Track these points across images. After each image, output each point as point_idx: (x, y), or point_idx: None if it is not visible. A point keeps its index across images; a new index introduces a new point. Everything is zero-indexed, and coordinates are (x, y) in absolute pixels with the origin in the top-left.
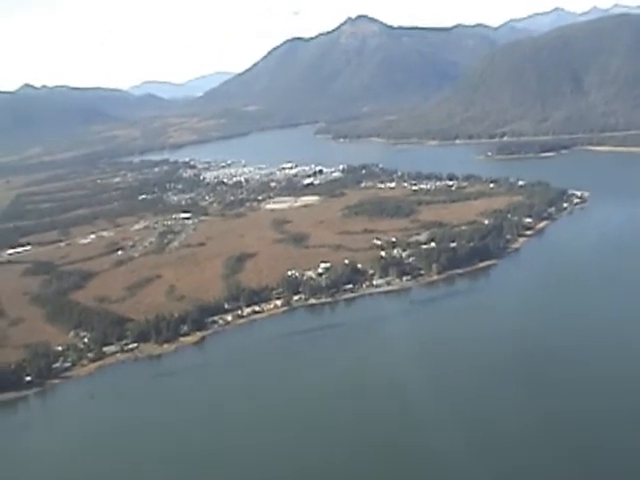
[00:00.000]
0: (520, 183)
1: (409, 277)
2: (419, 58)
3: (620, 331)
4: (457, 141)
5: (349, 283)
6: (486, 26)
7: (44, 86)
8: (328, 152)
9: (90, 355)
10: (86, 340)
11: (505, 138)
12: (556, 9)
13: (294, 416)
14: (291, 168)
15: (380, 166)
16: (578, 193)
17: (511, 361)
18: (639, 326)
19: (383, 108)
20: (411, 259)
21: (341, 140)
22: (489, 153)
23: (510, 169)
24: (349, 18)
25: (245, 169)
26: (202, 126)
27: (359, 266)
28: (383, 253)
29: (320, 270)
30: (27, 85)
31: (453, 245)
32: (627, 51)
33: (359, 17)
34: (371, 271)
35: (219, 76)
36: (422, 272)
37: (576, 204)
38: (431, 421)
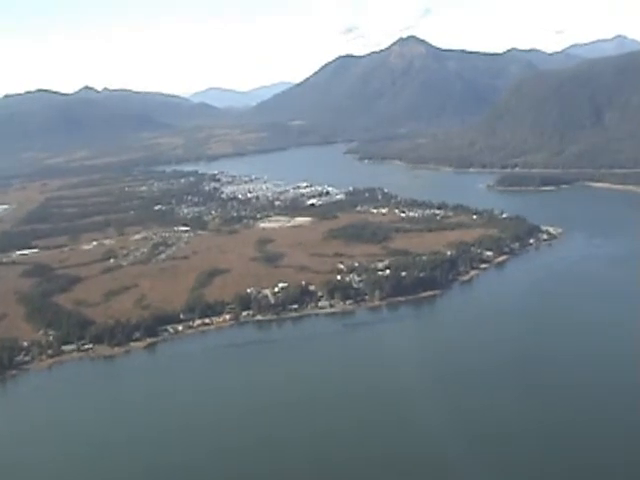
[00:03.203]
0: (503, 216)
1: (352, 301)
2: (460, 82)
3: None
4: (471, 169)
5: (296, 303)
6: (540, 52)
7: (105, 89)
8: (346, 172)
9: (49, 352)
10: (51, 338)
11: (517, 169)
12: (618, 36)
13: (203, 414)
14: (305, 187)
15: (385, 190)
16: (551, 229)
17: (405, 388)
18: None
19: (419, 130)
20: (361, 284)
21: (366, 161)
22: (490, 183)
23: (504, 201)
24: (400, 38)
25: (263, 185)
26: (242, 139)
27: (311, 287)
28: (339, 277)
29: (276, 289)
30: (87, 88)
31: (403, 274)
32: None
33: (409, 38)
34: (320, 293)
35: (277, 87)
36: (366, 297)
37: (544, 240)
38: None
